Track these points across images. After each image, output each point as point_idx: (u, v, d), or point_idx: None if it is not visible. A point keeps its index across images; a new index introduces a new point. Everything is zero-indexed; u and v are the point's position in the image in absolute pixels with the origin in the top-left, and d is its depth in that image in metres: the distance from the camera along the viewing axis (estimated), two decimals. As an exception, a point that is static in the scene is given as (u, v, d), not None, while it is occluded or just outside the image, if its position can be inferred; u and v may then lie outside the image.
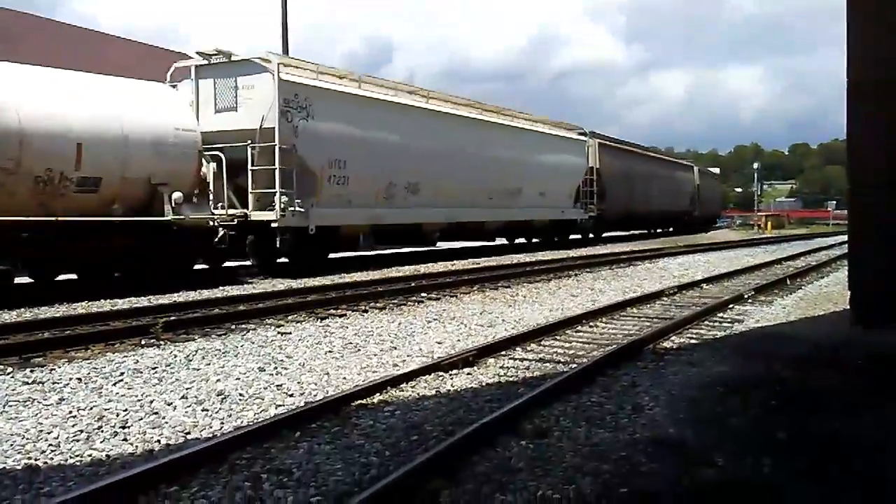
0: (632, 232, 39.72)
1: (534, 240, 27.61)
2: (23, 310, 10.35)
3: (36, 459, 4.34)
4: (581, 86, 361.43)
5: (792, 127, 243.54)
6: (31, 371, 6.62)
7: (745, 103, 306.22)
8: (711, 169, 67.64)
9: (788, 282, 14.11)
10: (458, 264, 18.68)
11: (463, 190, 21.28)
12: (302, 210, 15.15)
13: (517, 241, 27.77)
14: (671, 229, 45.34)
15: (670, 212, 43.75)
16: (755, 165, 64.34)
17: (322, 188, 16.14)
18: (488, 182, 22.52)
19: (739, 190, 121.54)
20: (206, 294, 12.25)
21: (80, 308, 10.54)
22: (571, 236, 29.47)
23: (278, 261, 16.13)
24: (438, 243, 23.34)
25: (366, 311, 10.46)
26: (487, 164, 22.26)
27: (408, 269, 17.19)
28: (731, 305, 10.74)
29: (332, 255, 17.71)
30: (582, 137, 29.96)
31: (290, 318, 9.79)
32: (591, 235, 31.38)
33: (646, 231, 41.82)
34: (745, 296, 11.64)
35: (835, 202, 73.92)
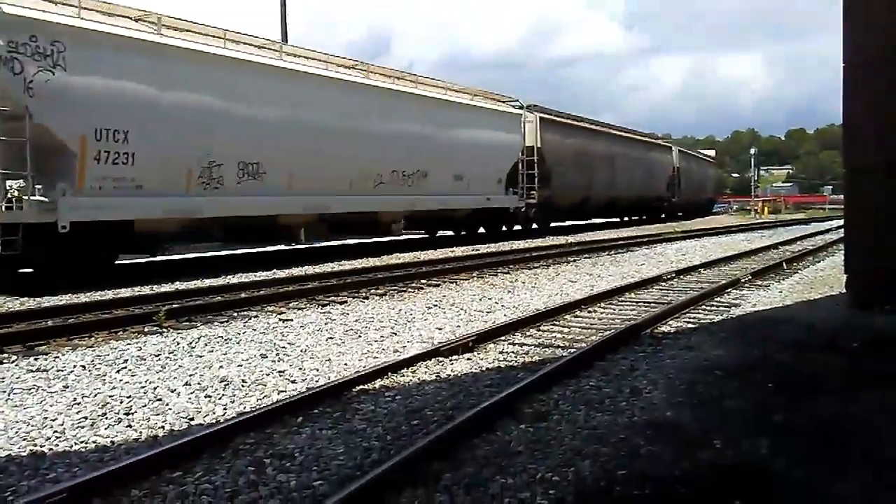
0: (591, 221, 34.94)
1: (462, 232, 23.82)
2: (26, 298, 10.38)
3: (41, 446, 4.39)
4: (580, 73, 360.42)
5: (790, 113, 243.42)
6: (35, 359, 6.67)
7: (743, 90, 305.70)
8: (705, 151, 59.52)
9: (785, 266, 14.17)
10: (458, 251, 18.71)
11: (336, 173, 16.70)
12: (46, 200, 11.17)
13: (442, 233, 24.01)
14: (643, 217, 40.29)
15: (641, 198, 38.29)
16: (752, 151, 63.81)
17: (85, 169, 11.70)
18: (377, 163, 18.11)
19: (737, 175, 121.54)
20: (208, 282, 12.29)
21: (84, 296, 10.57)
22: (510, 227, 25.33)
23: (22, 270, 11.83)
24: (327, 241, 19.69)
25: (366, 298, 10.51)
26: (375, 140, 17.76)
27: (407, 256, 17.23)
28: (728, 290, 10.81)
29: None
30: (516, 111, 25.09)
31: (291, 305, 9.84)
32: (534, 226, 26.85)
33: (613, 220, 37.17)
34: (743, 280, 11.69)
35: (831, 187, 73.90)
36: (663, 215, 43.05)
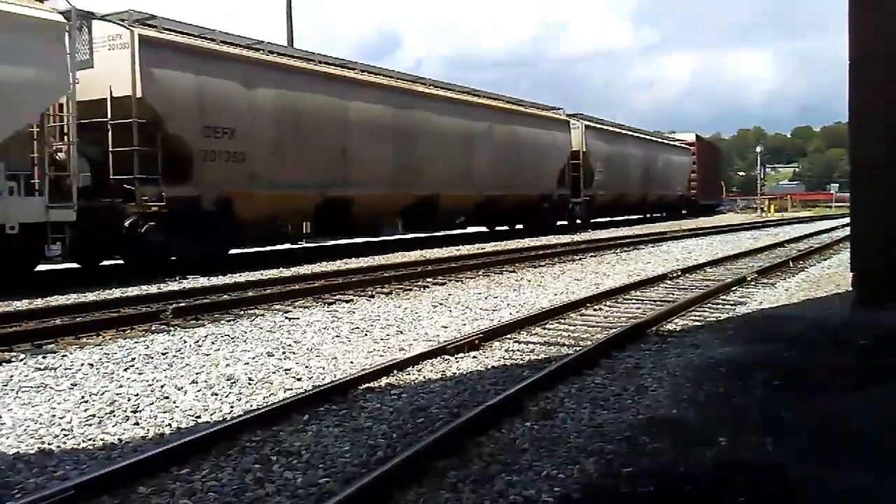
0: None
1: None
2: (35, 297, 10.44)
3: (49, 444, 4.42)
4: (589, 71, 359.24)
5: (797, 111, 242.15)
6: (44, 357, 6.70)
7: (750, 87, 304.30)
8: (682, 136, 49.84)
9: (791, 264, 14.13)
10: (464, 249, 18.72)
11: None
12: None
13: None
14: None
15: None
16: (758, 149, 63.39)
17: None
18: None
19: (743, 173, 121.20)
20: (214, 280, 12.34)
21: (91, 295, 10.62)
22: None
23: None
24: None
25: (372, 297, 10.53)
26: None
27: (413, 255, 17.25)
28: (733, 288, 10.79)
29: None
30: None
31: (297, 303, 9.87)
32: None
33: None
34: (748, 278, 11.67)
35: (837, 185, 73.61)
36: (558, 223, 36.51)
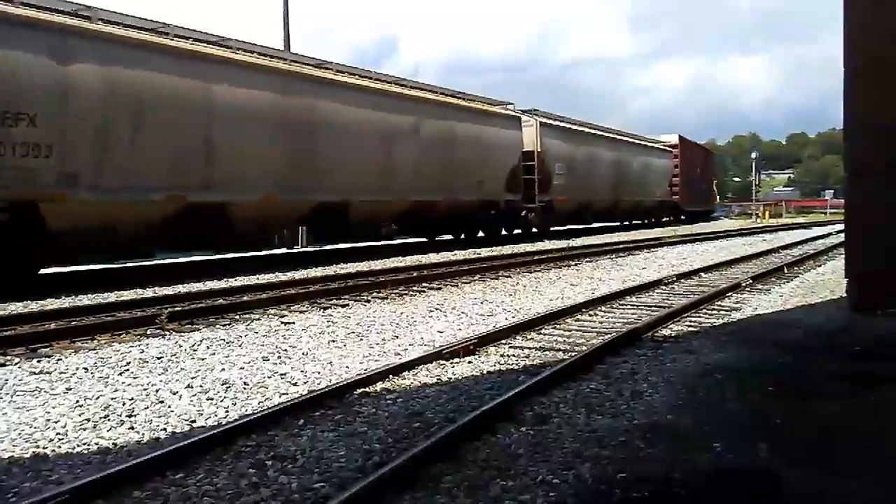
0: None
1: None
2: (29, 301, 10.42)
3: (44, 448, 4.41)
4: (585, 77, 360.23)
5: (791, 117, 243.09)
6: (38, 361, 6.69)
7: (746, 94, 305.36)
8: (665, 137, 44.80)
9: (786, 270, 14.18)
10: (459, 255, 18.73)
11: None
12: None
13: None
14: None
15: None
16: (753, 155, 63.53)
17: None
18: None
19: (738, 179, 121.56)
20: (210, 284, 12.32)
21: (86, 299, 10.60)
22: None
23: None
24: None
25: (368, 301, 10.53)
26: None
27: (409, 260, 17.25)
28: (728, 293, 10.81)
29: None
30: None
31: (293, 308, 9.87)
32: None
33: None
34: (743, 284, 11.71)
35: (832, 191, 73.84)
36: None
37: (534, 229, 26.67)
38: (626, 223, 37.52)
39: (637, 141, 38.07)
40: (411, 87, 20.70)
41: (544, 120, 26.94)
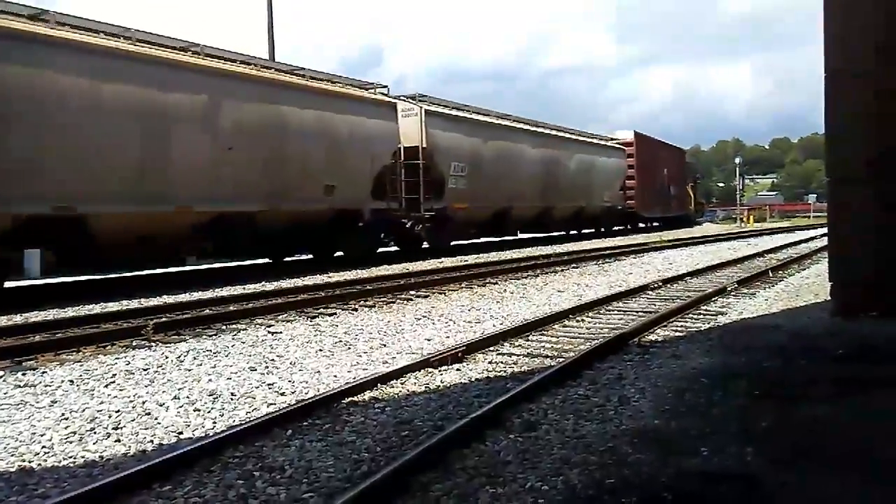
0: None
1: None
2: (13, 313, 10.33)
3: (29, 461, 4.38)
4: (571, 84, 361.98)
5: (774, 122, 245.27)
6: (23, 374, 6.64)
7: (729, 100, 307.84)
8: (621, 133, 38.73)
9: (771, 274, 14.28)
10: (447, 262, 18.73)
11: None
12: None
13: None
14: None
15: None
16: (737, 160, 64.04)
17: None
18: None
19: (722, 184, 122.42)
20: (196, 295, 12.27)
21: (71, 311, 10.53)
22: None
23: None
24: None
25: (355, 310, 10.52)
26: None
27: (397, 268, 17.25)
28: (714, 298, 10.88)
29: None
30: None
31: (280, 317, 9.84)
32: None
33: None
34: (729, 288, 11.78)
35: (815, 195, 74.57)
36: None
37: (425, 244, 21.85)
38: (564, 233, 32.12)
39: (576, 137, 32.24)
40: (206, 56, 14.95)
41: (433, 108, 21.76)
